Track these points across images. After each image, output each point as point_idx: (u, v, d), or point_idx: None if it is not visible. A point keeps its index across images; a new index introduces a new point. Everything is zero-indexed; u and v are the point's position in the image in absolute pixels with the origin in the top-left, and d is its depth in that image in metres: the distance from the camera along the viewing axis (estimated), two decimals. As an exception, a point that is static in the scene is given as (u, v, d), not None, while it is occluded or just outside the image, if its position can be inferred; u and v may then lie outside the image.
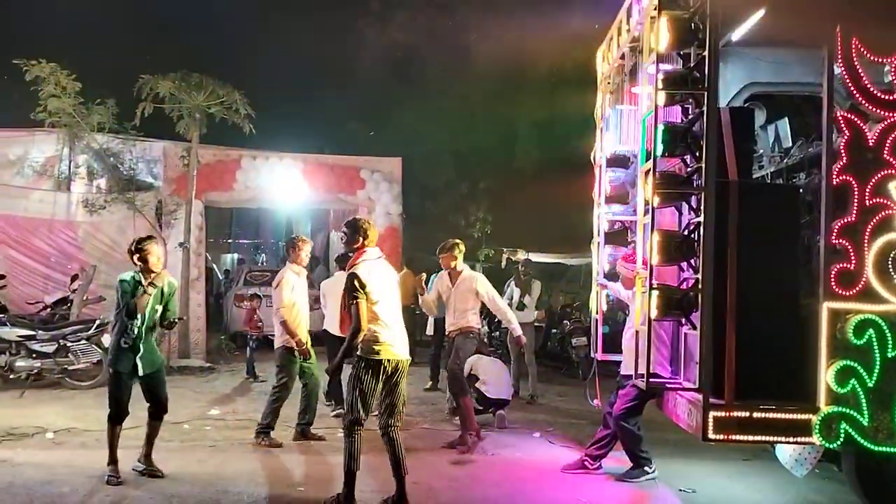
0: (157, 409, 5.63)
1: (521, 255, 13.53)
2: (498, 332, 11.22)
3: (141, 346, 5.39)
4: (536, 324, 10.10)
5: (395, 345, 4.90)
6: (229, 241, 18.21)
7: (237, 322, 12.38)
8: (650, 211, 4.63)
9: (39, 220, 11.12)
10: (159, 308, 5.51)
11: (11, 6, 15.27)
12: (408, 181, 13.27)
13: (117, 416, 5.47)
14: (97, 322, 9.24)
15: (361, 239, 4.99)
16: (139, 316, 5.35)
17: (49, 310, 10.16)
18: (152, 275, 5.38)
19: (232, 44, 16.68)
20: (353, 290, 4.77)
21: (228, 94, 10.58)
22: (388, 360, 4.84)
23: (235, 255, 17.31)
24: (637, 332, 4.78)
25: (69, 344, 8.98)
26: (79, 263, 10.87)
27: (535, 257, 14.17)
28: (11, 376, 8.79)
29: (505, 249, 16.85)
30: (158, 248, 5.55)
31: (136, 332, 5.37)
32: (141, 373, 5.43)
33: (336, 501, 4.88)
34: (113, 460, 5.45)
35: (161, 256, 5.56)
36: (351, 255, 5.12)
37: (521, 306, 9.13)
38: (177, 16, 16.54)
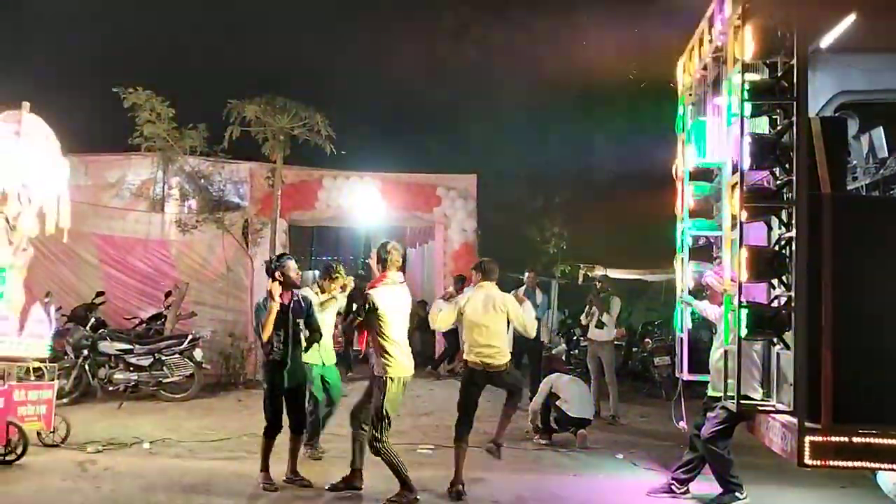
0: (297, 423, 5.87)
1: (598, 272, 13.33)
2: (577, 351, 11.06)
3: (288, 360, 5.68)
4: (616, 342, 9.90)
5: (404, 362, 5.46)
6: (311, 258, 18.69)
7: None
8: (738, 226, 4.49)
9: (135, 239, 11.76)
10: (301, 322, 5.79)
11: (109, 37, 16.25)
12: (483, 197, 13.33)
13: (270, 429, 5.75)
14: (189, 337, 9.67)
15: (384, 263, 5.45)
16: (281, 331, 5.66)
17: (144, 325, 10.67)
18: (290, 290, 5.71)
19: (313, 67, 17.21)
20: (362, 309, 5.34)
21: (310, 116, 10.89)
22: (400, 378, 5.42)
23: (317, 272, 17.76)
24: (726, 351, 4.63)
25: (164, 357, 9.44)
26: (172, 280, 11.40)
27: (614, 273, 13.90)
28: (110, 388, 9.31)
29: (582, 265, 16.63)
30: (294, 263, 5.90)
31: (281, 347, 5.66)
32: (285, 385, 5.72)
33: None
34: (264, 467, 5.72)
35: (298, 271, 5.91)
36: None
37: (599, 324, 8.96)
38: (261, 42, 17.28)
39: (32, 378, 6.86)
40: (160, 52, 15.51)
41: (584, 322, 9.61)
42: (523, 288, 9.58)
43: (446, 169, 13.41)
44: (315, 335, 5.98)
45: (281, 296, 5.69)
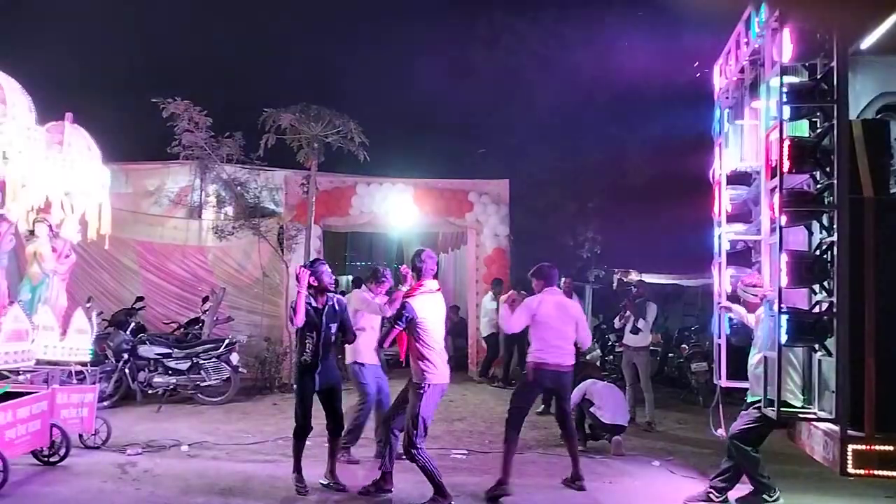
0: (335, 425, 5.91)
1: (633, 276, 13.18)
2: (612, 357, 10.95)
3: (319, 362, 5.73)
4: (652, 348, 9.78)
5: (442, 370, 5.53)
6: (346, 263, 18.85)
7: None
8: (777, 230, 4.41)
9: (174, 245, 12.01)
10: (334, 326, 5.84)
11: (149, 49, 16.61)
12: (515, 202, 13.29)
13: (299, 431, 5.81)
14: (226, 341, 9.82)
15: (419, 272, 5.59)
16: (315, 333, 5.72)
17: (182, 329, 10.86)
18: (324, 294, 5.80)
19: (346, 74, 17.39)
20: (396, 316, 5.48)
21: (344, 123, 11.00)
22: (440, 385, 5.51)
23: (350, 277, 17.90)
24: (765, 357, 4.55)
25: (201, 362, 9.60)
26: (209, 286, 11.60)
27: (649, 278, 13.74)
28: (150, 391, 9.48)
29: (616, 270, 16.47)
30: (328, 268, 5.96)
31: (312, 348, 5.73)
32: (317, 387, 5.76)
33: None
34: (297, 469, 5.79)
35: (331, 275, 5.99)
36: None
37: (635, 330, 8.86)
38: (296, 51, 17.48)
39: (75, 381, 7.03)
40: (197, 62, 15.79)
41: (616, 325, 9.54)
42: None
43: (478, 174, 13.42)
44: (348, 336, 6.06)
45: (316, 299, 5.77)
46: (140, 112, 11.87)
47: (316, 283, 5.77)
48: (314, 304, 5.77)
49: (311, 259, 6.38)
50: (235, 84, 15.88)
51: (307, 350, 5.73)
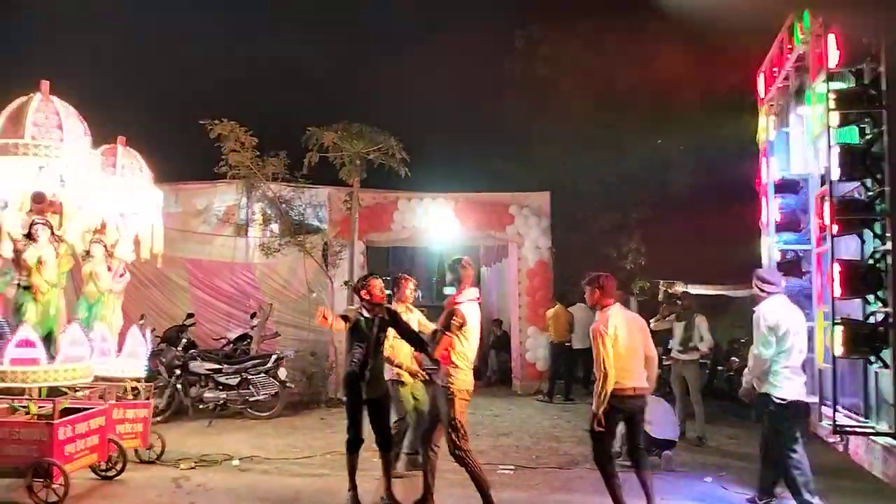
0: (383, 439, 5.83)
1: (678, 288, 12.97)
2: (660, 371, 10.73)
3: (367, 372, 5.72)
4: (701, 360, 9.58)
5: (469, 377, 5.48)
6: (387, 277, 18.96)
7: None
8: (828, 239, 4.33)
9: (222, 262, 12.28)
10: (383, 336, 5.83)
11: (194, 72, 17.11)
12: (556, 214, 13.24)
13: (351, 442, 5.74)
14: (274, 356, 9.98)
15: (461, 279, 5.54)
16: (364, 344, 5.72)
17: (231, 345, 11.07)
18: (377, 307, 5.77)
19: (386, 91, 17.63)
20: (450, 323, 5.38)
21: (385, 140, 11.14)
22: (468, 391, 5.44)
23: (390, 292, 18.07)
24: (820, 370, 4.44)
25: (250, 377, 9.78)
26: (256, 302, 11.83)
27: (695, 289, 13.50)
28: (201, 406, 9.69)
29: (661, 282, 16.22)
30: (380, 281, 5.93)
31: (360, 359, 5.70)
32: (364, 397, 5.74)
33: None
34: (352, 486, 5.72)
35: (383, 288, 5.96)
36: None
37: (684, 343, 8.70)
38: (337, 69, 17.84)
39: (130, 397, 7.25)
40: (243, 83, 16.23)
41: (653, 327, 9.40)
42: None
43: (519, 187, 13.41)
44: (417, 343, 5.90)
45: (368, 311, 5.78)
46: (188, 133, 12.20)
47: (367, 296, 5.78)
48: (366, 314, 5.77)
49: (365, 273, 6.53)
50: (280, 104, 16.22)
51: (356, 359, 5.73)
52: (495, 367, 13.58)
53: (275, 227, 11.80)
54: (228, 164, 10.95)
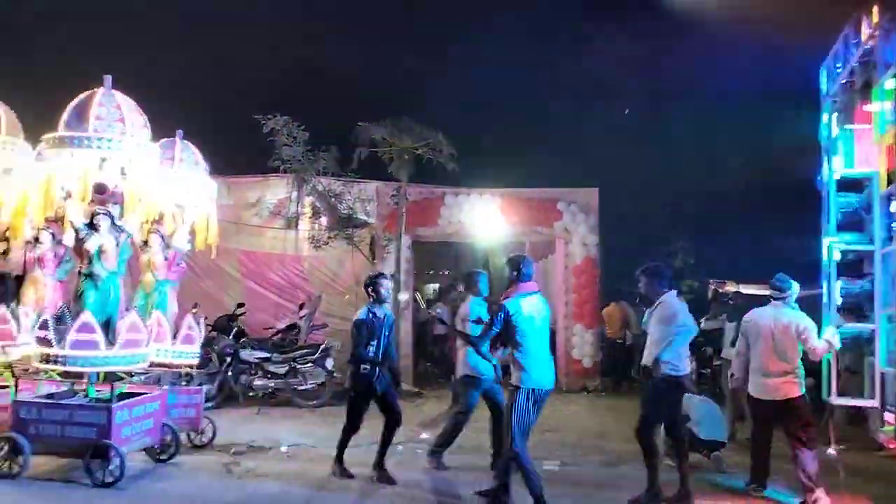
0: (393, 420, 6.36)
1: (729, 287, 12.69)
2: (709, 370, 10.55)
3: (378, 369, 6.18)
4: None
5: (536, 374, 5.34)
6: (431, 272, 19.06)
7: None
8: (894, 240, 4.18)
9: (272, 254, 12.55)
10: (391, 335, 6.34)
11: (247, 68, 17.41)
12: (604, 211, 13.07)
13: (349, 428, 6.39)
14: (322, 347, 10.15)
15: (515, 274, 5.51)
16: (375, 341, 6.16)
17: (280, 335, 11.28)
18: (384, 304, 6.29)
19: (435, 86, 17.63)
20: (492, 318, 5.41)
21: (433, 135, 11.19)
22: (534, 389, 5.31)
23: (437, 286, 18.08)
24: (882, 374, 4.29)
25: (298, 366, 9.97)
26: (305, 293, 12.04)
27: (747, 289, 13.18)
28: (250, 394, 9.93)
29: (711, 281, 15.89)
30: (388, 282, 6.44)
31: (373, 356, 6.16)
32: (378, 391, 6.24)
33: None
34: (339, 458, 6.38)
35: (390, 290, 6.43)
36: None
37: (735, 342, 8.48)
38: (387, 65, 17.93)
39: (183, 383, 7.45)
40: (295, 78, 16.44)
41: (702, 326, 9.24)
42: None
43: (567, 183, 13.27)
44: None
45: (377, 309, 6.26)
46: (241, 128, 12.44)
47: (374, 294, 6.25)
48: (377, 314, 6.22)
49: (374, 273, 6.88)
50: (331, 99, 16.40)
51: (366, 358, 6.16)
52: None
53: (324, 220, 11.96)
54: (280, 158, 11.13)
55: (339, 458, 6.38)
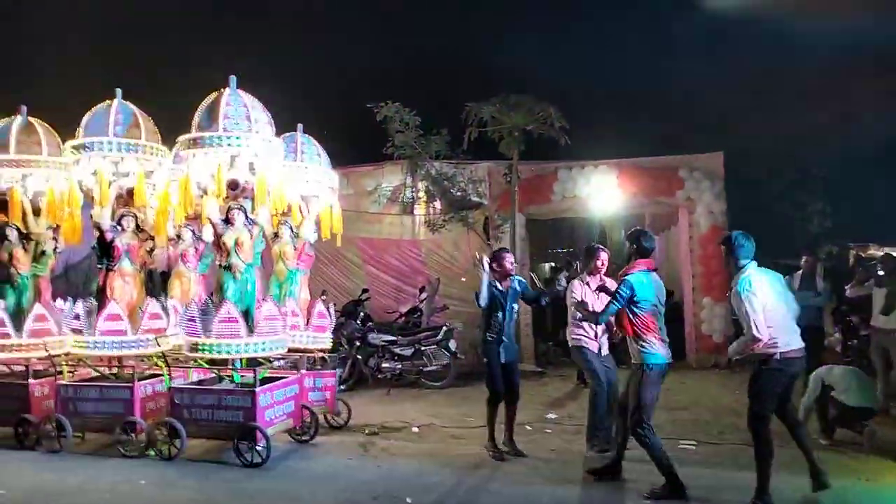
0: (512, 395, 6.55)
1: (873, 251, 11.75)
2: (856, 341, 9.81)
3: (503, 337, 6.40)
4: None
5: (661, 350, 5.37)
6: (548, 250, 18.86)
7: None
8: None
9: (390, 240, 12.83)
10: (516, 306, 6.56)
11: (356, 59, 17.84)
12: (729, 175, 12.35)
13: (493, 397, 6.53)
14: (444, 329, 10.32)
15: (635, 248, 5.52)
16: (500, 312, 6.40)
17: (403, 318, 11.56)
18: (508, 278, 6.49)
19: (543, 59, 17.35)
20: (616, 294, 5.38)
21: (543, 109, 10.99)
22: (655, 365, 5.33)
23: (552, 264, 17.86)
24: None
25: (423, 348, 10.20)
26: (423, 277, 12.26)
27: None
28: (379, 376, 10.26)
29: (852, 245, 14.78)
30: (511, 255, 6.70)
31: (498, 326, 6.39)
32: (502, 360, 6.42)
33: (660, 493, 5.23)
34: (491, 437, 6.51)
35: (512, 262, 6.63)
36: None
37: (886, 310, 7.84)
38: (492, 41, 17.82)
39: (318, 367, 7.79)
40: (402, 64, 16.69)
41: (848, 293, 8.60)
42: (798, 273, 8.76)
43: (687, 149, 12.66)
44: (540, 299, 6.86)
45: (500, 283, 6.46)
46: (354, 117, 12.75)
47: (499, 269, 6.44)
48: (499, 287, 6.43)
49: (496, 248, 7.32)
50: (440, 81, 16.49)
51: (493, 328, 6.40)
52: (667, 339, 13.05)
53: (438, 204, 12.09)
54: (394, 145, 11.33)
55: (490, 435, 6.55)
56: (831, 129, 15.73)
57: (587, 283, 6.57)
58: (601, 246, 6.92)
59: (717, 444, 6.81)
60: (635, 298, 5.32)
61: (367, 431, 7.47)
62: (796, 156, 16.02)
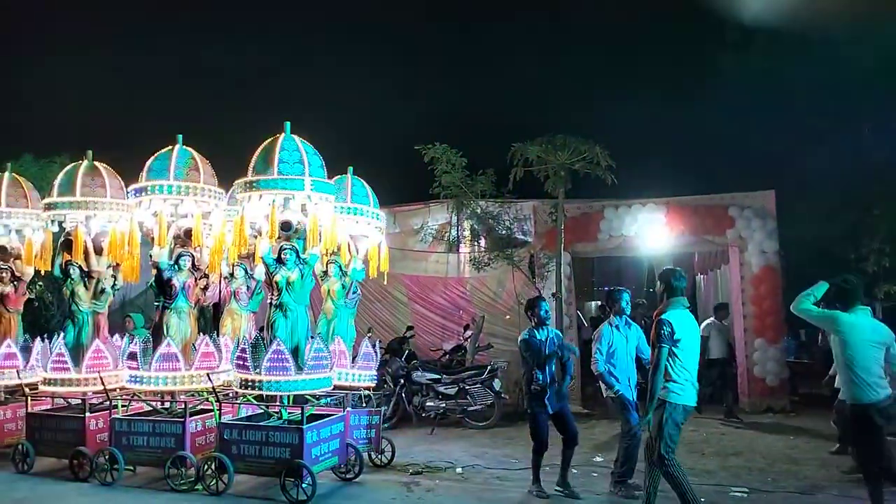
0: (569, 438, 6.56)
1: (936, 292, 11.27)
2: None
3: (548, 388, 6.42)
4: None
5: (688, 391, 5.29)
6: (593, 288, 18.69)
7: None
8: None
9: (436, 278, 12.95)
10: (554, 358, 6.56)
11: (404, 103, 18.24)
12: (782, 215, 12.11)
13: (538, 447, 6.56)
14: (489, 367, 10.27)
15: (664, 288, 5.49)
16: (541, 364, 6.43)
17: (447, 356, 11.57)
18: (544, 326, 6.59)
19: (589, 99, 17.43)
20: (660, 335, 5.24)
21: (589, 149, 11.01)
22: (685, 406, 5.26)
23: (598, 303, 17.69)
24: None
25: (467, 387, 10.15)
26: (468, 314, 12.29)
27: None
28: (423, 414, 10.23)
29: (909, 285, 14.20)
30: (546, 304, 6.74)
31: (541, 378, 6.41)
32: (550, 411, 6.43)
33: None
34: (536, 479, 6.58)
35: (548, 311, 6.70)
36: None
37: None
38: (538, 82, 18.02)
39: (363, 404, 7.84)
40: (449, 107, 16.99)
41: None
42: None
43: (738, 187, 12.47)
44: (564, 375, 6.72)
45: (538, 332, 6.55)
46: (400, 158, 13.00)
47: (535, 319, 6.58)
48: (538, 336, 6.52)
49: (532, 297, 7.26)
50: (486, 122, 16.72)
51: (536, 380, 6.41)
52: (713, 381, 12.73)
53: (483, 242, 12.16)
54: (441, 185, 11.49)
55: (535, 479, 6.58)
56: (891, 165, 15.31)
57: (616, 327, 6.66)
58: (622, 288, 7.04)
59: (771, 493, 6.59)
60: (676, 336, 5.26)
61: (410, 471, 7.45)
62: (853, 193, 15.61)
